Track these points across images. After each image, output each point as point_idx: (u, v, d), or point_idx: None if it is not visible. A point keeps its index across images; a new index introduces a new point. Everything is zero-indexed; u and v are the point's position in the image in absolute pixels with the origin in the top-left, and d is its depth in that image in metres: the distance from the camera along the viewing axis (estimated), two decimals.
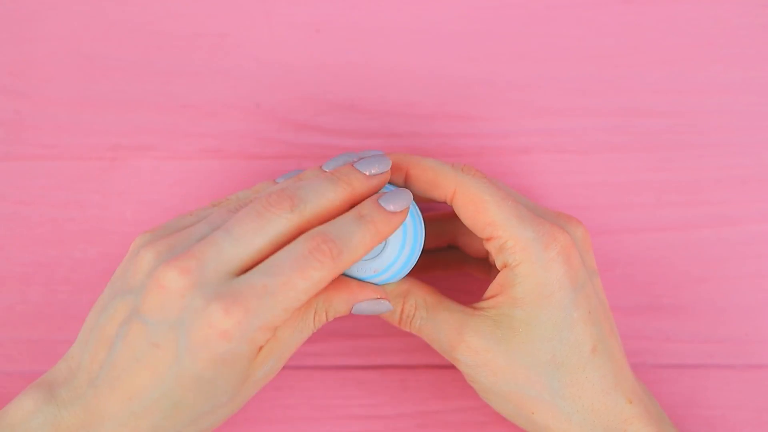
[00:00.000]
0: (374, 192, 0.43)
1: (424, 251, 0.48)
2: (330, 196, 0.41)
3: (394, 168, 0.44)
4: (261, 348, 0.40)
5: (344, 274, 0.43)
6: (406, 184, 0.45)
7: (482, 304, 0.43)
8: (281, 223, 0.40)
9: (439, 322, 0.44)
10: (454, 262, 0.49)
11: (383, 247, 0.43)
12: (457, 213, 0.44)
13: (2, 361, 0.50)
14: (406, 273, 0.44)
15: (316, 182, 0.41)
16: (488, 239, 0.43)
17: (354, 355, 0.50)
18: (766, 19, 0.51)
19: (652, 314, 0.50)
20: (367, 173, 0.42)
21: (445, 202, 0.44)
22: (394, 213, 0.41)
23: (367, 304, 0.43)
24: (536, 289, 0.42)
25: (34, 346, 0.50)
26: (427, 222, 0.47)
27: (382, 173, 0.42)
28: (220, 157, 0.51)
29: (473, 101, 0.51)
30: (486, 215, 0.42)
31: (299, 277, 0.39)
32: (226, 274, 0.39)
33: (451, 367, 0.50)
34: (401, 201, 0.41)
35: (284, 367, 0.50)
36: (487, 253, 0.46)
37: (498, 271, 0.43)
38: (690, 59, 0.51)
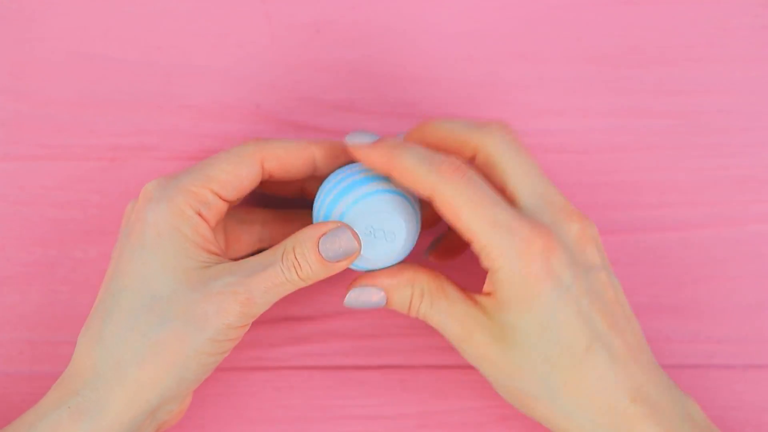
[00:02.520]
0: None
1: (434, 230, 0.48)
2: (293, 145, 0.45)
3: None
4: (200, 217, 0.42)
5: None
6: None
7: (480, 298, 0.43)
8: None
9: (442, 314, 0.44)
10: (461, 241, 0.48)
11: (393, 230, 0.43)
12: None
13: (2, 361, 0.50)
14: (404, 257, 0.44)
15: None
16: (469, 242, 0.42)
17: (354, 355, 0.50)
18: (766, 19, 0.51)
19: (652, 314, 0.50)
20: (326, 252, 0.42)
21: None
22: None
23: (360, 298, 0.44)
24: (517, 295, 0.41)
25: (34, 346, 0.50)
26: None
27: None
28: None
29: (473, 101, 0.51)
30: (461, 222, 0.41)
31: (224, 152, 0.44)
32: None
33: (452, 367, 0.50)
34: (338, 250, 0.42)
35: (284, 368, 0.50)
36: None
37: None
38: (690, 59, 0.51)
